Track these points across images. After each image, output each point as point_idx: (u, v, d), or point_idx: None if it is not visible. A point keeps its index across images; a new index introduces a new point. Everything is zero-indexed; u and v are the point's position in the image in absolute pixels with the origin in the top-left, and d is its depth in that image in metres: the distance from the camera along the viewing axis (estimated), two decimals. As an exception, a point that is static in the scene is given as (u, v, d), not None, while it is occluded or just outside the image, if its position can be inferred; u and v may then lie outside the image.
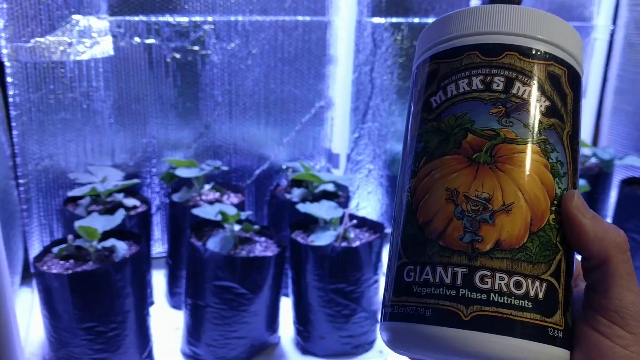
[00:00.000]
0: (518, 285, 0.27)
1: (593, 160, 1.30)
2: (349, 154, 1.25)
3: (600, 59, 1.43)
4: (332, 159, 1.23)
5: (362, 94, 1.22)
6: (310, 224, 0.95)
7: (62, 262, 0.79)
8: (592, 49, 1.42)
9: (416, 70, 0.34)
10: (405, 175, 0.31)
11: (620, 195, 1.17)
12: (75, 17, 0.96)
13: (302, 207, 0.92)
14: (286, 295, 0.99)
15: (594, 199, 1.26)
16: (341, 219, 0.91)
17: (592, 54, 1.43)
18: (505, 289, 0.27)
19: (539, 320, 0.27)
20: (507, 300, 0.27)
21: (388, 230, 1.00)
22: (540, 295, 0.27)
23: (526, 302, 0.27)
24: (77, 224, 0.79)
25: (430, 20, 1.25)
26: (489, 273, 0.27)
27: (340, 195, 1.08)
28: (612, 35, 1.42)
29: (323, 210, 0.92)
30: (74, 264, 0.79)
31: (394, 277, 0.30)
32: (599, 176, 1.26)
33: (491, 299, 0.26)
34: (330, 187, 1.07)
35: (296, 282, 0.90)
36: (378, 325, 0.31)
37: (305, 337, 0.91)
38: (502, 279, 0.27)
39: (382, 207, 1.33)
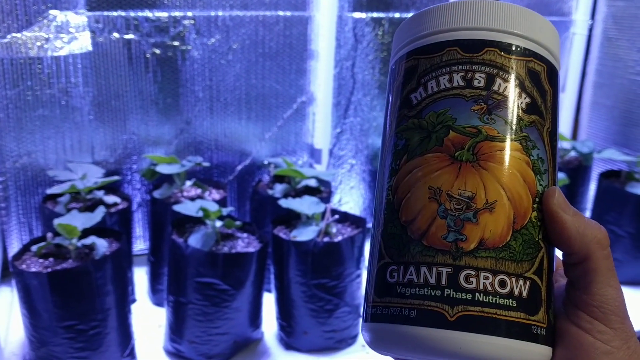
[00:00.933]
0: (502, 284, 0.27)
1: (572, 153, 1.31)
2: (331, 149, 1.25)
3: (579, 53, 1.45)
4: (314, 154, 1.23)
5: (343, 89, 1.22)
6: (293, 219, 0.95)
7: (41, 260, 0.79)
8: (571, 43, 1.44)
9: (394, 66, 0.33)
10: (385, 173, 0.31)
11: (599, 188, 1.19)
12: (53, 12, 0.95)
13: (284, 203, 0.92)
14: (269, 291, 0.98)
15: (574, 191, 1.27)
16: (323, 214, 0.91)
17: (571, 49, 1.44)
18: (490, 288, 0.27)
19: (523, 318, 0.27)
20: (492, 299, 0.26)
21: (370, 225, 1.00)
22: (524, 293, 0.27)
23: (511, 300, 0.27)
24: (57, 221, 0.78)
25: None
26: (473, 272, 0.27)
27: (322, 190, 1.08)
28: (590, 29, 1.43)
29: (305, 205, 0.92)
30: (53, 262, 0.78)
31: (376, 277, 0.30)
32: (579, 169, 1.27)
33: (476, 298, 0.26)
34: (312, 183, 1.07)
35: (279, 278, 0.90)
36: (360, 323, 0.31)
37: (288, 332, 0.91)
38: (486, 278, 0.27)
39: (365, 202, 1.34)
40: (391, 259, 0.29)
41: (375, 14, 1.18)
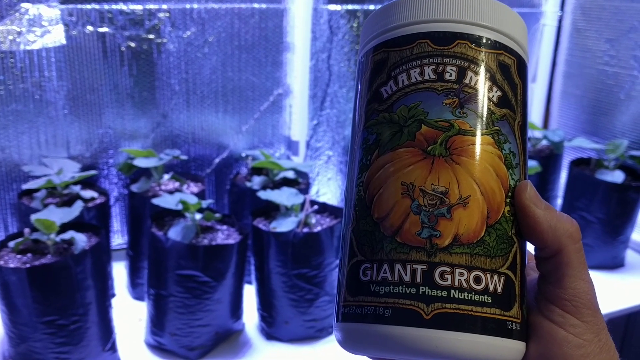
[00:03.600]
0: (477, 280, 0.27)
1: (544, 142, 1.34)
2: (308, 141, 1.26)
3: (549, 44, 1.48)
4: (292, 146, 1.24)
5: (319, 81, 1.22)
6: (272, 211, 0.96)
7: (19, 256, 0.78)
8: (542, 34, 1.47)
9: (363, 58, 0.32)
10: (355, 168, 0.30)
11: (569, 175, 1.22)
12: (25, 5, 0.94)
13: (263, 195, 0.92)
14: (249, 283, 0.99)
15: (545, 179, 1.30)
16: (302, 205, 0.91)
17: (542, 40, 1.47)
18: (465, 285, 0.26)
19: (498, 314, 0.27)
20: (467, 296, 0.26)
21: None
22: (499, 289, 0.27)
23: (486, 297, 0.27)
24: (34, 217, 0.78)
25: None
26: (448, 269, 0.26)
27: (300, 182, 1.08)
28: (560, 21, 1.46)
29: (284, 197, 0.93)
30: (32, 258, 0.77)
31: (348, 275, 0.29)
32: (550, 157, 1.30)
33: (452, 295, 0.26)
34: (290, 174, 1.07)
35: (259, 269, 0.91)
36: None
37: (269, 322, 0.92)
38: (461, 274, 0.26)
39: (342, 192, 1.35)
40: (364, 257, 0.28)
41: (350, 6, 1.19)
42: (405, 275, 0.27)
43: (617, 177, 1.13)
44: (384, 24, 0.31)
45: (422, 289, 0.26)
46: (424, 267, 0.26)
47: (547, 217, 0.28)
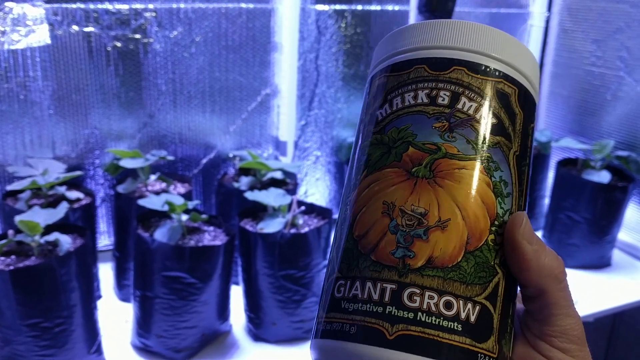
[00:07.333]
0: (448, 305, 0.26)
1: (531, 142, 1.35)
2: (296, 141, 1.26)
3: (537, 45, 1.49)
4: (280, 146, 1.24)
5: (307, 81, 1.22)
6: (259, 211, 0.95)
7: (2, 258, 0.77)
8: (529, 35, 1.47)
9: (368, 84, 0.33)
10: (349, 187, 0.31)
11: (556, 175, 1.23)
12: (9, 4, 0.93)
13: (251, 195, 0.92)
14: (236, 283, 0.99)
15: (533, 179, 1.31)
16: (290, 205, 0.91)
17: (529, 41, 1.48)
18: (434, 309, 0.26)
19: (468, 344, 0.26)
20: (435, 320, 0.25)
21: (336, 216, 1.01)
22: (472, 318, 0.26)
23: (456, 324, 0.26)
24: (18, 218, 0.77)
25: (374, 7, 1.26)
26: (418, 291, 0.26)
27: (288, 182, 1.08)
28: (547, 22, 1.47)
29: (271, 197, 0.92)
30: (15, 260, 0.77)
31: (325, 291, 0.29)
32: (537, 158, 1.31)
33: (418, 318, 0.25)
34: (278, 175, 1.07)
35: (246, 270, 0.90)
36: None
37: (256, 324, 0.92)
38: (431, 297, 0.26)
39: (330, 193, 1.35)
40: (340, 274, 0.28)
41: (337, 6, 1.19)
42: (375, 293, 0.26)
43: (604, 177, 1.14)
44: (387, 50, 0.32)
45: (389, 308, 0.26)
46: (394, 286, 0.26)
47: (535, 255, 0.28)
